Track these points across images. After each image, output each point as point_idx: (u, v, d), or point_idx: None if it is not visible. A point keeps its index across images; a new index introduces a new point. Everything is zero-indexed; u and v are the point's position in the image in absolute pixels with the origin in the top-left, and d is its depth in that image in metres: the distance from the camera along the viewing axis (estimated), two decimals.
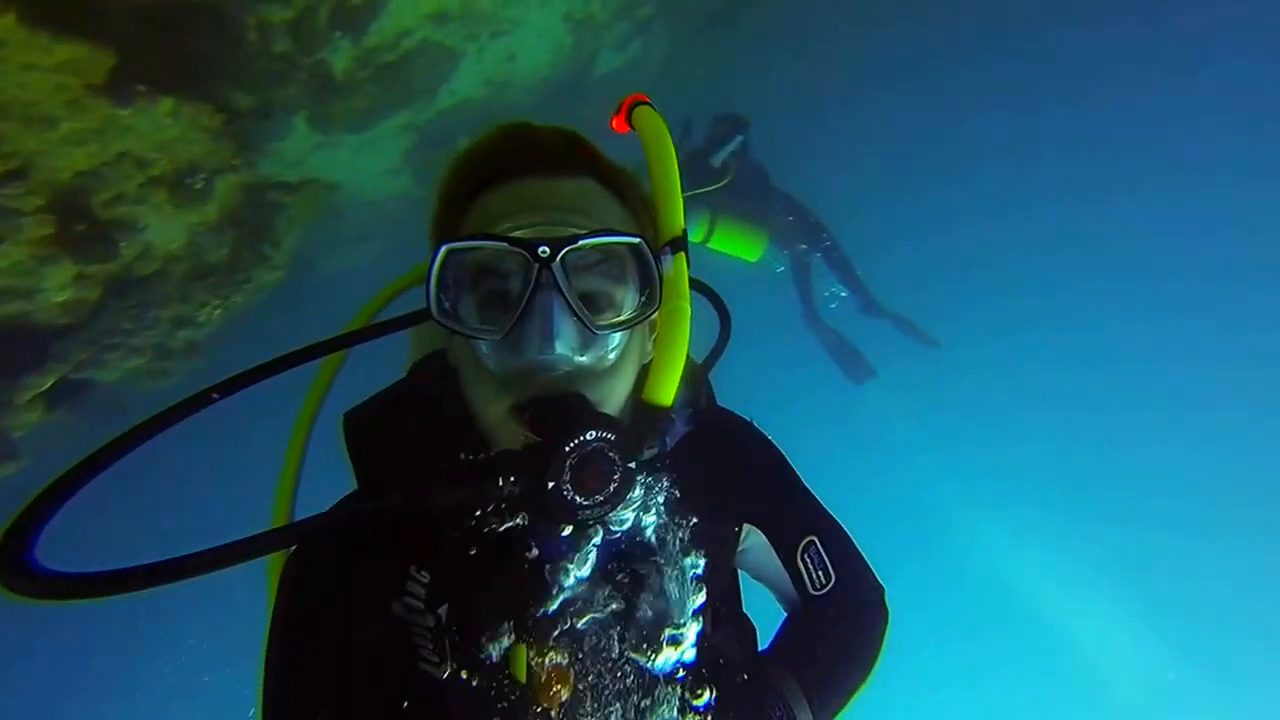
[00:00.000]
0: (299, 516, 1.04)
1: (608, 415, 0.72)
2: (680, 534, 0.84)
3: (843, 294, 5.81)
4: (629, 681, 0.80)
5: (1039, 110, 10.70)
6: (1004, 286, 11.19)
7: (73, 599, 0.57)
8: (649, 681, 0.80)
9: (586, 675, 0.78)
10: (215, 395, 0.77)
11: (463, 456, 0.79)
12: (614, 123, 0.94)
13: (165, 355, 5.95)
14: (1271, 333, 9.89)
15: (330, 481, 0.94)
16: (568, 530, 0.77)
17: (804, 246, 5.37)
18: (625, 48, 8.39)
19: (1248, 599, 9.18)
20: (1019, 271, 11.12)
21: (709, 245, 4.66)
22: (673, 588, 0.81)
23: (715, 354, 1.15)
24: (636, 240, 0.75)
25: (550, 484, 0.67)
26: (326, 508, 0.77)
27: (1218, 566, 9.48)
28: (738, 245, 4.75)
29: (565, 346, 0.71)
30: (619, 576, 0.81)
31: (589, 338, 0.74)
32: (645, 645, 0.80)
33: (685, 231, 0.83)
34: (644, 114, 0.90)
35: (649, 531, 0.83)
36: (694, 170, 4.57)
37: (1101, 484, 10.37)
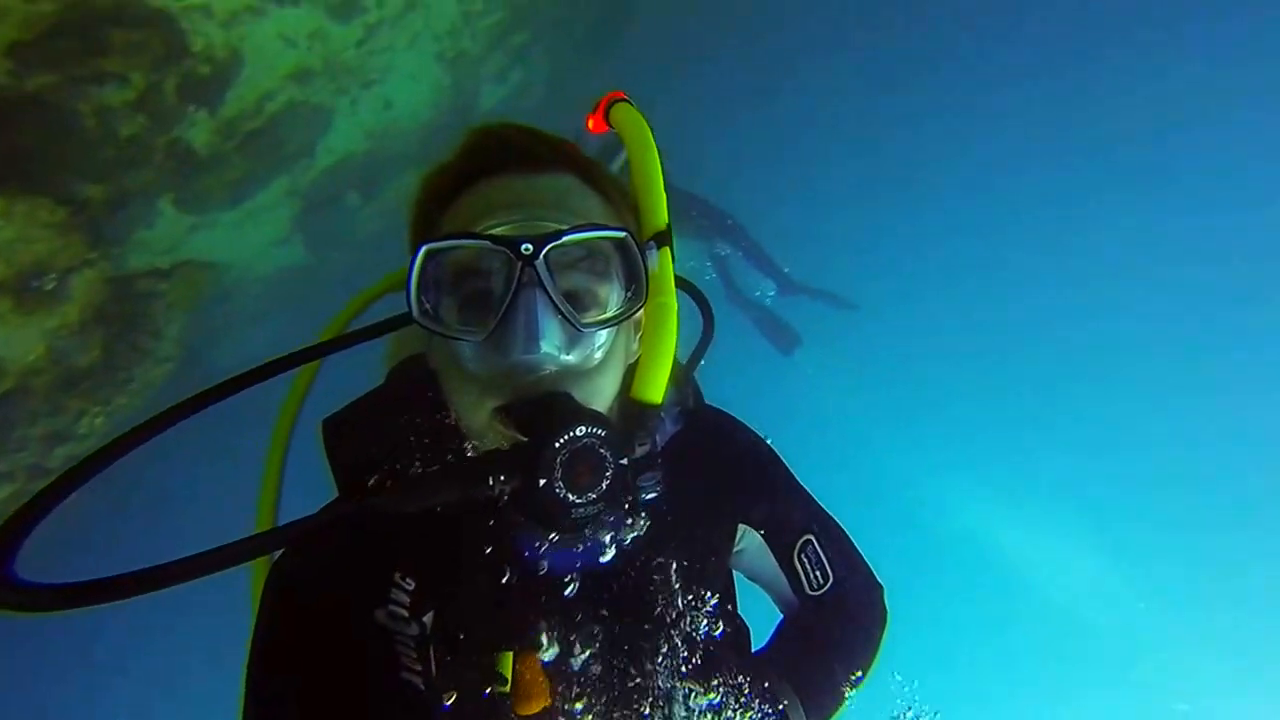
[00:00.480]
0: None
1: (596, 411, 0.71)
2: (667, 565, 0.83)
3: (770, 293, 5.94)
4: (616, 693, 0.80)
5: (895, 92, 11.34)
6: (921, 248, 11.69)
7: (53, 609, 0.57)
8: (640, 689, 0.80)
9: (574, 684, 0.78)
10: (188, 411, 0.75)
11: (449, 458, 0.77)
12: (590, 122, 0.93)
13: (43, 475, 5.31)
14: (1203, 265, 10.36)
15: (314, 490, 0.92)
16: (554, 536, 0.76)
17: (719, 239, 5.48)
18: (506, 78, 8.29)
19: (1204, 534, 9.70)
20: (937, 229, 11.63)
21: None
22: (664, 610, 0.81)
23: (699, 352, 1.13)
24: (621, 234, 0.73)
25: (542, 481, 0.65)
26: (308, 514, 0.75)
27: (1169, 501, 9.95)
28: None
29: (550, 345, 0.69)
30: (606, 588, 0.81)
31: (574, 336, 0.72)
32: (636, 655, 0.79)
33: (669, 226, 0.81)
34: (622, 110, 0.89)
35: (628, 539, 0.81)
36: None
37: (1039, 430, 10.85)
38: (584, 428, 0.66)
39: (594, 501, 0.68)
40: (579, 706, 0.78)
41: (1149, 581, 9.72)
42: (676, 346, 0.80)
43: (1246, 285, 10.04)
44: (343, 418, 0.90)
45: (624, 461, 0.69)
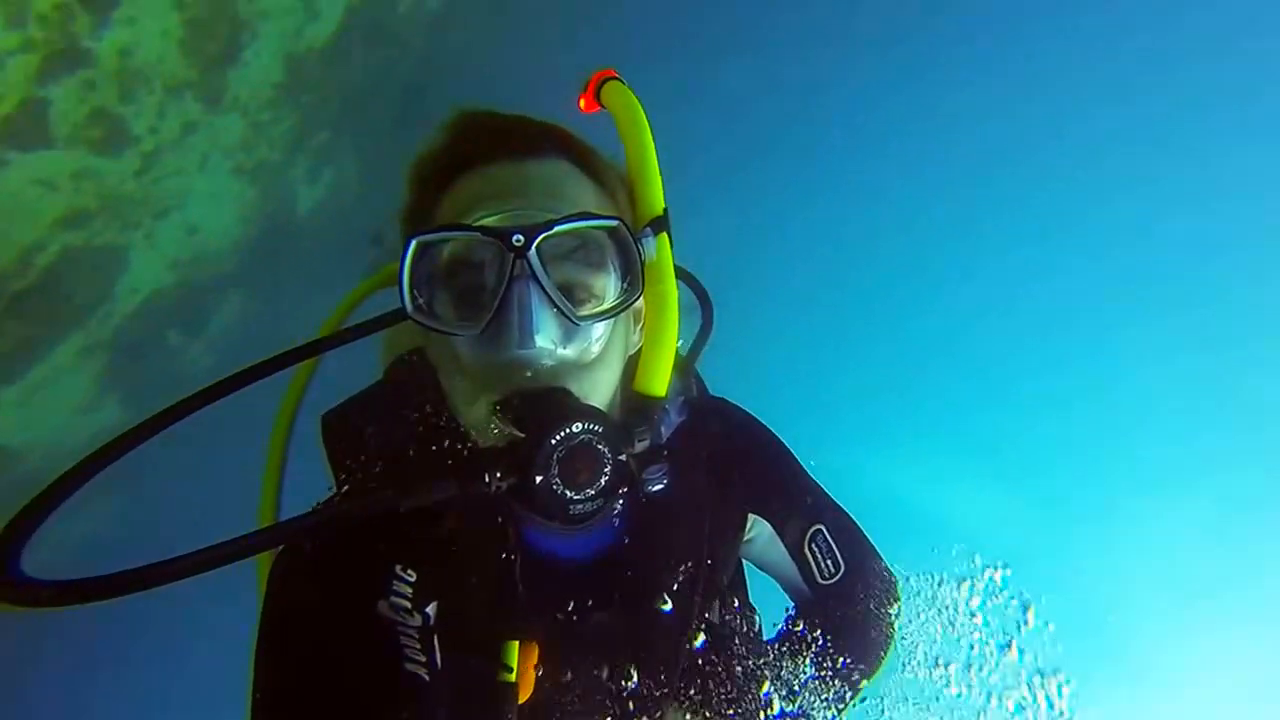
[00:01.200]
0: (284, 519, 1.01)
1: (594, 407, 0.71)
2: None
3: None
4: (621, 681, 0.81)
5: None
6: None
7: (59, 605, 0.58)
8: (643, 680, 0.82)
9: (577, 670, 0.79)
10: (190, 408, 0.76)
11: (448, 453, 0.76)
12: (581, 102, 0.90)
13: None
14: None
15: (314, 484, 0.92)
16: (556, 525, 0.74)
17: None
18: (318, 178, 7.96)
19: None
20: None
21: None
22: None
23: (700, 343, 1.11)
24: (615, 223, 0.71)
25: (538, 479, 0.65)
26: (309, 508, 0.76)
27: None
28: None
29: (546, 340, 0.68)
30: (611, 576, 0.81)
31: (570, 329, 0.71)
32: (640, 643, 0.81)
33: (667, 210, 0.79)
34: (614, 89, 0.86)
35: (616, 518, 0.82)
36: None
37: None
38: (580, 424, 0.66)
39: (592, 498, 0.67)
40: (582, 694, 0.79)
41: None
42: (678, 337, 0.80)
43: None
44: (342, 413, 0.91)
45: (622, 457, 0.69)
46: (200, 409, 0.76)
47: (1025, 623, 0.94)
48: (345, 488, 0.84)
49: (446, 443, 0.77)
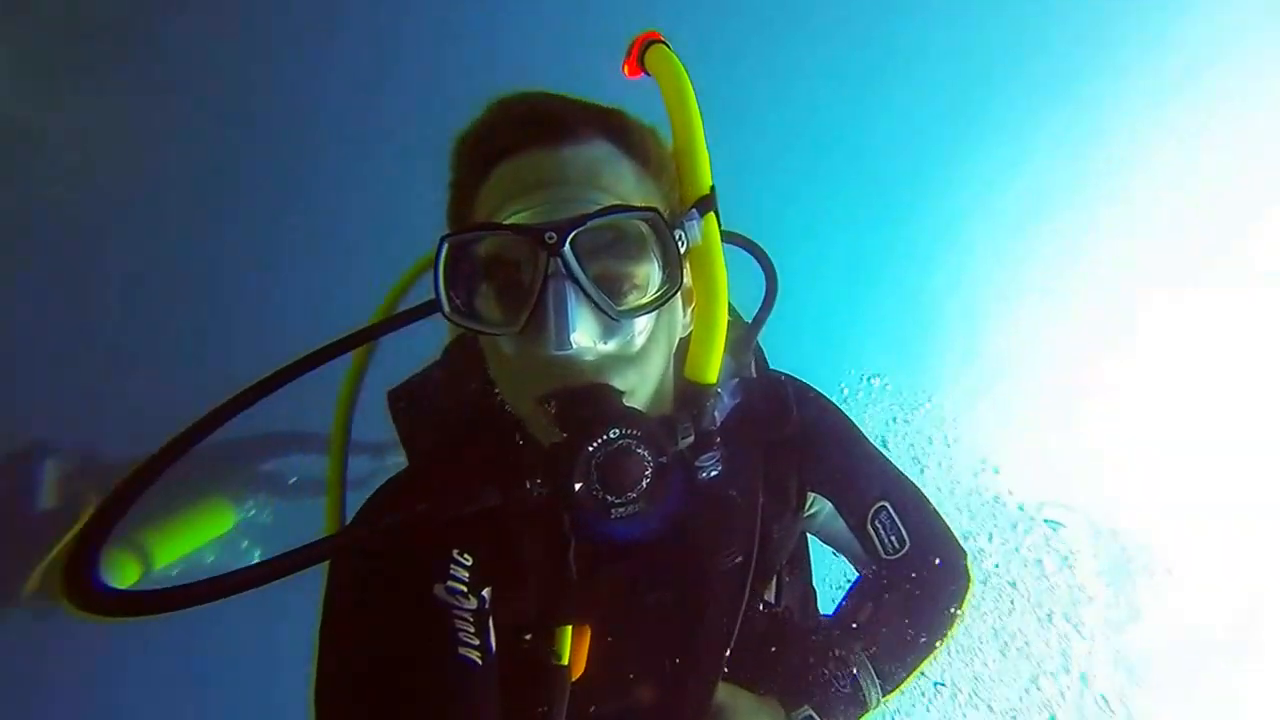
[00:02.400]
0: (350, 499, 1.04)
1: (632, 410, 0.70)
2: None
3: None
4: (674, 660, 0.82)
5: None
6: None
7: (138, 615, 0.59)
8: (692, 662, 0.83)
9: (630, 652, 0.81)
10: (245, 405, 0.76)
11: (495, 452, 0.79)
12: (625, 67, 0.87)
13: None
14: None
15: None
16: (613, 519, 0.74)
17: None
18: None
19: None
20: None
21: None
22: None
23: (761, 316, 1.07)
24: (651, 213, 0.70)
25: (578, 485, 0.66)
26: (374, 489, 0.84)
27: None
28: None
29: (585, 338, 0.67)
30: (663, 557, 0.81)
31: (610, 324, 0.70)
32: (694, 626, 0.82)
33: (713, 188, 0.77)
34: (659, 55, 0.83)
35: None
36: None
37: None
38: (619, 429, 0.66)
39: (633, 501, 0.68)
40: (636, 678, 0.81)
41: None
42: (731, 315, 0.79)
43: None
44: (406, 392, 0.95)
45: (664, 459, 0.69)
46: (262, 399, 0.77)
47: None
48: (411, 465, 0.89)
49: (500, 430, 0.78)
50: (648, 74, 0.85)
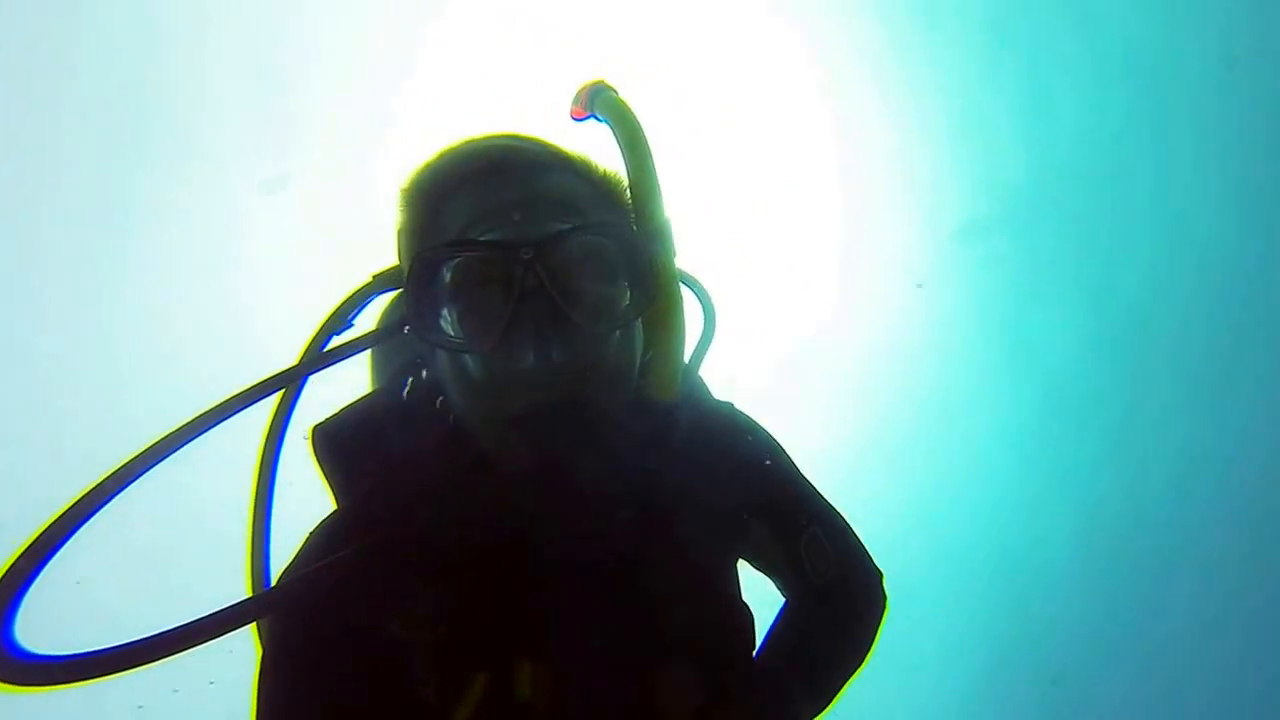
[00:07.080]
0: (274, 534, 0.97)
1: (606, 423, 0.71)
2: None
3: None
4: (635, 693, 0.80)
5: None
6: None
7: (54, 685, 0.54)
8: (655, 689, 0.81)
9: (593, 676, 0.79)
10: (167, 450, 0.71)
11: (457, 479, 0.76)
12: (573, 111, 0.90)
13: None
14: None
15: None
16: (569, 539, 0.75)
17: None
18: None
19: None
20: None
21: None
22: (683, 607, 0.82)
23: (703, 346, 1.11)
24: (624, 231, 0.73)
25: (549, 503, 0.67)
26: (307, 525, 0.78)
27: None
28: None
29: (560, 353, 0.67)
30: (616, 585, 0.79)
31: (585, 340, 0.70)
32: (642, 650, 0.80)
33: (668, 221, 0.81)
34: (608, 98, 0.87)
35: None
36: None
37: None
38: (591, 443, 0.67)
39: (600, 514, 0.69)
40: (597, 712, 0.79)
41: None
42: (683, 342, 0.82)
43: None
44: (340, 425, 0.87)
45: (635, 471, 0.70)
46: (196, 437, 0.73)
47: None
48: (344, 506, 0.83)
49: (459, 457, 0.77)
50: (595, 118, 0.89)
